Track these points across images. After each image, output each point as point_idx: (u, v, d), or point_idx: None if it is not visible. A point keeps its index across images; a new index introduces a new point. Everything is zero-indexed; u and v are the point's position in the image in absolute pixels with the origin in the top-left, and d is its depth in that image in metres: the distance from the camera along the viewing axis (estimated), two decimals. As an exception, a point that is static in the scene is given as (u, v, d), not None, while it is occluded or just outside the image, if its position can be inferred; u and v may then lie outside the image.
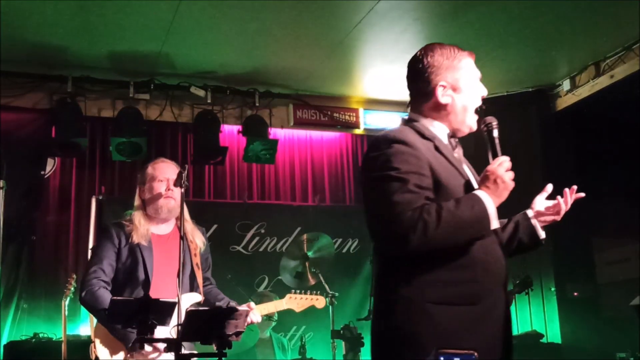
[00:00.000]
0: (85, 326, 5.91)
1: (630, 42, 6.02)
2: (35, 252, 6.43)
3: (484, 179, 2.30)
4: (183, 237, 3.36)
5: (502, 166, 2.30)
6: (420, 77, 2.49)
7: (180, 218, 3.53)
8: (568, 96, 6.93)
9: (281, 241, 7.07)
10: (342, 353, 5.46)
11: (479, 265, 2.27)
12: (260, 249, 7.04)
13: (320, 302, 4.41)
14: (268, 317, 5.79)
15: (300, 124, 7.32)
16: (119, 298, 3.14)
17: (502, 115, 7.74)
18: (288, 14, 5.53)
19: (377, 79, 6.98)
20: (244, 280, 6.56)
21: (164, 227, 3.81)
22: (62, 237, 6.56)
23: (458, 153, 2.50)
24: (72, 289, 5.41)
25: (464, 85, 2.44)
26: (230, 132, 7.12)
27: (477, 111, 2.47)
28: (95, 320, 3.73)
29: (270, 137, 6.99)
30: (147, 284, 3.59)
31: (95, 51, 6.11)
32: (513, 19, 5.69)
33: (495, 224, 2.24)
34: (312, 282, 5.55)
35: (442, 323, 2.18)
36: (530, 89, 7.23)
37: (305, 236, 5.73)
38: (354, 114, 7.51)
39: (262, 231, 7.07)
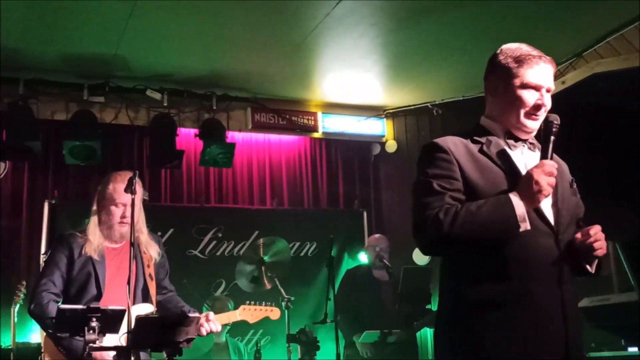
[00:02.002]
0: (36, 334, 5.79)
1: (580, 49, 6.15)
2: (-15, 257, 6.29)
3: (522, 180, 2.29)
4: (133, 244, 3.31)
5: (541, 169, 2.26)
6: (486, 72, 2.53)
7: (131, 225, 3.49)
8: (522, 101, 7.04)
9: (238, 245, 7.04)
10: (298, 357, 5.46)
11: (514, 263, 2.27)
12: (217, 253, 7.00)
13: (274, 313, 4.42)
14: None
15: (258, 127, 7.30)
16: (66, 306, 3.09)
17: (458, 119, 7.90)
18: (245, 17, 5.52)
19: (335, 83, 7.00)
20: (200, 285, 6.53)
21: (118, 241, 3.78)
22: (14, 242, 6.43)
23: (526, 152, 2.44)
24: (22, 295, 5.32)
25: (515, 84, 2.39)
26: (187, 135, 7.06)
27: (533, 113, 2.39)
28: (44, 333, 3.68)
29: (228, 140, 6.95)
30: (98, 298, 3.56)
31: (48, 53, 6.01)
32: (468, 25, 5.76)
33: (525, 225, 2.23)
34: (268, 286, 5.54)
35: (476, 328, 2.26)
36: (486, 94, 7.31)
37: (261, 240, 5.71)
38: (313, 118, 7.52)
39: (220, 235, 7.03)
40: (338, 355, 5.61)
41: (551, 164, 2.27)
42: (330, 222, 7.35)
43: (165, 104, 6.78)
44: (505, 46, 2.49)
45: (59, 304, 3.55)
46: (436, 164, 2.35)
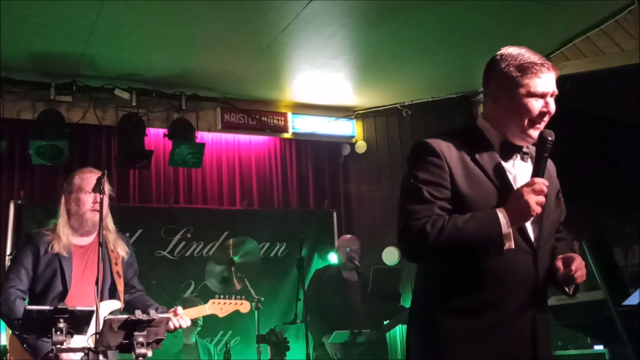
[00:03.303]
0: (1, 335, 5.71)
1: (547, 51, 6.22)
2: (-50, 257, 6.17)
3: (511, 197, 2.25)
4: (102, 244, 3.28)
5: (531, 188, 2.22)
6: (485, 76, 2.46)
7: (99, 224, 3.46)
8: (490, 103, 7.12)
9: (208, 246, 7.01)
10: (268, 357, 5.46)
11: (489, 277, 2.27)
12: (187, 254, 6.95)
13: (244, 306, 4.38)
14: (193, 323, 5.72)
15: (228, 127, 7.27)
16: (33, 307, 3.05)
17: (427, 120, 7.96)
18: (215, 17, 5.49)
19: (305, 83, 7.00)
20: (169, 286, 6.49)
21: (86, 238, 3.77)
22: (-21, 242, 6.32)
23: (518, 164, 2.39)
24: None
25: (521, 93, 2.32)
26: (156, 135, 7.01)
27: (537, 121, 2.33)
28: (10, 331, 3.63)
29: (197, 140, 6.92)
30: (64, 295, 3.53)
31: (15, 51, 5.90)
32: (438, 26, 5.81)
33: (509, 244, 2.21)
34: (238, 287, 5.53)
35: (445, 333, 2.29)
36: (454, 95, 7.40)
37: (231, 241, 5.70)
38: (283, 118, 7.51)
39: (189, 236, 6.99)
40: (308, 355, 5.62)
41: (542, 182, 2.23)
42: (300, 223, 7.35)
43: (133, 104, 6.71)
44: (505, 52, 2.42)
45: (26, 302, 3.51)
46: (427, 169, 2.30)
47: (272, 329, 5.60)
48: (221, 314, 4.19)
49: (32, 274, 3.60)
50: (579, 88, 6.05)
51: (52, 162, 6.35)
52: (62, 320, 2.92)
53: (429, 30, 5.88)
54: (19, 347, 3.40)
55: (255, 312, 5.38)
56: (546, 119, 2.35)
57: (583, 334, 5.02)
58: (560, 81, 6.34)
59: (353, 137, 7.80)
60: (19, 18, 5.33)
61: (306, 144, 7.80)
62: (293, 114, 7.57)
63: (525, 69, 2.33)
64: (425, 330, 2.36)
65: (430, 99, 7.38)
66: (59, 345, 2.92)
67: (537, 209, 2.22)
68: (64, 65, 6.25)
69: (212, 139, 7.32)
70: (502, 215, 2.21)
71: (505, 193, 2.29)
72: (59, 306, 2.96)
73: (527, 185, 2.24)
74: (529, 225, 2.33)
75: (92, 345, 3.09)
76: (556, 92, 2.37)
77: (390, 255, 7.20)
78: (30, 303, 3.48)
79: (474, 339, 2.27)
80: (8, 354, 3.57)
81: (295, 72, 6.78)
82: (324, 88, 7.14)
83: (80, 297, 3.50)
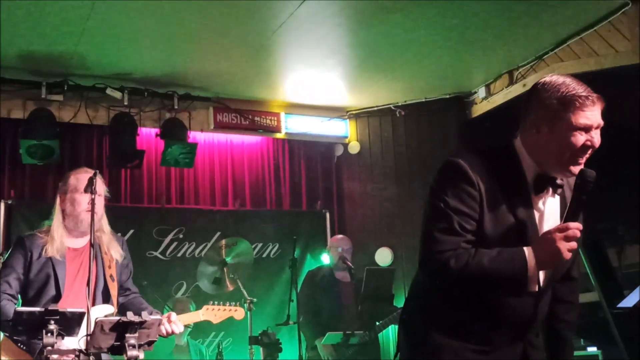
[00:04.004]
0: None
1: (541, 52, 6.24)
2: (-61, 258, 6.12)
3: (540, 240, 2.17)
4: (93, 245, 3.25)
5: (564, 234, 2.11)
6: (526, 104, 2.32)
7: (91, 224, 3.42)
8: (483, 103, 7.14)
9: (200, 246, 6.97)
10: (260, 359, 5.43)
11: (488, 312, 2.26)
12: (179, 255, 6.91)
13: (239, 313, 4.36)
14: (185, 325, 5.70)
15: (220, 127, 7.23)
16: (23, 309, 3.02)
17: (421, 120, 7.96)
18: (208, 16, 5.46)
19: (298, 83, 6.98)
20: (161, 287, 6.45)
21: (80, 241, 3.74)
22: (-32, 242, 6.26)
23: (549, 201, 2.30)
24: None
25: (564, 127, 2.19)
26: (148, 135, 6.97)
27: (580, 155, 2.21)
28: (1, 334, 3.59)
29: (190, 140, 6.88)
30: (57, 299, 3.49)
31: (5, 50, 5.84)
32: (431, 27, 5.79)
33: (535, 286, 2.19)
34: (231, 287, 5.50)
35: (436, 354, 2.28)
36: (448, 96, 7.39)
37: (223, 242, 5.67)
38: (275, 118, 7.48)
39: (181, 236, 6.95)
40: (300, 357, 5.60)
41: (576, 227, 2.11)
42: (293, 223, 7.33)
43: (125, 103, 6.67)
44: (548, 80, 2.27)
45: (17, 305, 3.48)
46: (460, 197, 2.21)
47: (265, 330, 5.57)
48: (215, 320, 4.17)
49: (24, 278, 3.57)
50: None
51: (43, 161, 6.31)
52: (52, 322, 2.89)
53: (423, 31, 5.86)
54: (13, 348, 3.36)
55: (248, 313, 5.35)
56: (589, 152, 2.23)
57: (577, 336, 5.02)
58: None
59: (346, 137, 7.78)
60: (10, 17, 5.28)
61: (299, 144, 7.77)
62: (286, 114, 7.54)
63: (568, 102, 2.18)
64: (419, 347, 2.36)
65: (423, 100, 7.37)
66: (49, 347, 2.89)
67: (568, 255, 2.12)
68: (55, 64, 6.20)
69: (205, 138, 7.29)
70: (529, 257, 2.13)
71: (531, 235, 2.22)
72: (49, 308, 2.93)
73: (560, 230, 2.12)
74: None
75: (83, 347, 3.06)
76: (602, 124, 2.22)
77: (384, 256, 7.19)
78: (23, 307, 3.45)
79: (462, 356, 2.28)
80: (1, 355, 3.53)
81: (288, 72, 6.76)
82: (317, 88, 7.12)
83: (73, 302, 3.47)
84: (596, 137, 2.21)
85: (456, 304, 2.29)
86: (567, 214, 2.18)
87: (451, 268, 2.15)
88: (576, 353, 4.82)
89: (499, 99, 6.76)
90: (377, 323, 5.99)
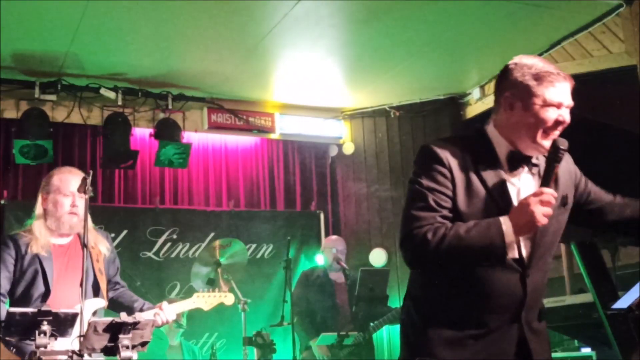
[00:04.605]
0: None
1: (535, 53, 6.23)
2: None
3: (516, 206, 2.21)
4: (86, 246, 3.23)
5: (538, 198, 2.16)
6: (498, 84, 2.42)
7: (84, 225, 3.40)
8: (477, 104, 7.15)
9: (194, 247, 6.96)
10: (254, 359, 5.42)
11: (474, 294, 2.28)
12: (172, 255, 6.90)
13: (228, 298, 4.34)
14: (177, 324, 5.68)
15: (214, 128, 7.22)
16: (15, 310, 3.00)
17: (415, 121, 7.95)
18: (203, 16, 5.44)
19: (293, 83, 6.97)
20: (154, 287, 6.43)
21: (65, 238, 3.71)
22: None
23: (524, 177, 2.35)
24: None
25: (537, 102, 2.27)
26: (142, 135, 6.95)
27: (551, 131, 2.29)
28: None
29: (184, 141, 6.85)
30: (46, 295, 3.47)
31: (-2, 50, 5.84)
32: (426, 28, 5.79)
33: (511, 254, 2.20)
34: (225, 288, 5.46)
35: (431, 347, 2.30)
36: (442, 97, 7.40)
37: (217, 242, 5.66)
38: (270, 119, 7.47)
39: (174, 237, 6.94)
40: (294, 357, 5.59)
41: (550, 193, 2.17)
42: (287, 224, 7.33)
43: (119, 103, 6.65)
44: (519, 60, 2.36)
45: (7, 305, 3.46)
46: (433, 176, 2.29)
47: (259, 331, 5.55)
48: (206, 307, 4.15)
49: (12, 277, 3.54)
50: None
51: (36, 161, 6.28)
52: (45, 323, 2.88)
53: (417, 32, 5.86)
54: (3, 349, 3.34)
55: (242, 314, 5.35)
56: (560, 129, 2.30)
57: (571, 337, 5.02)
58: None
59: (341, 138, 7.78)
60: (3, 16, 5.25)
61: (293, 145, 7.77)
62: (280, 114, 7.53)
63: (542, 77, 2.28)
64: (415, 346, 2.38)
65: (418, 100, 7.38)
66: (42, 348, 2.87)
67: (543, 220, 2.15)
68: (49, 63, 6.18)
69: (199, 139, 7.27)
70: (506, 224, 2.17)
71: (505, 208, 2.25)
72: (42, 308, 2.92)
73: (534, 194, 2.18)
74: (522, 241, 2.28)
75: (76, 347, 3.04)
76: (572, 104, 2.32)
77: (378, 257, 7.19)
78: (12, 306, 3.43)
79: (458, 354, 2.28)
80: None
81: (282, 73, 6.75)
82: (311, 89, 7.11)
83: (63, 298, 3.45)
84: (566, 115, 2.30)
85: (447, 290, 2.32)
86: (542, 181, 2.24)
87: (429, 241, 2.19)
88: (570, 354, 4.83)
89: (493, 100, 6.76)
90: (372, 324, 5.98)
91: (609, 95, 5.99)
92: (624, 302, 3.72)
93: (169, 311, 3.71)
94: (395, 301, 6.78)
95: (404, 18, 5.59)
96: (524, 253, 2.30)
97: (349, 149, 7.73)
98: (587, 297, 4.17)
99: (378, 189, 7.49)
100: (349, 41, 6.07)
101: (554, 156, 2.26)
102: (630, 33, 5.38)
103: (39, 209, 3.69)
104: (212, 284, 5.49)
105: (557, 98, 2.27)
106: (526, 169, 2.35)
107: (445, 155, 2.30)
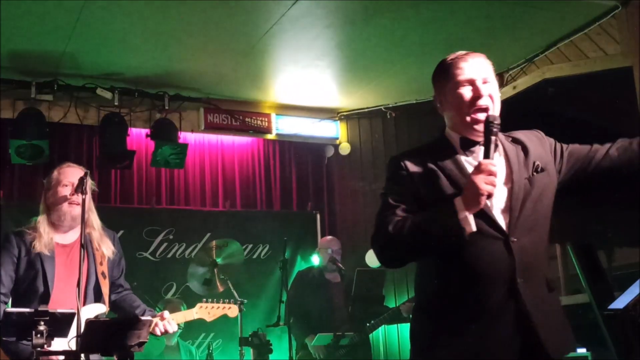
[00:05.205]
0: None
1: (531, 54, 6.25)
2: None
3: (465, 183, 2.29)
4: (84, 246, 3.23)
5: (478, 170, 2.24)
6: (434, 90, 2.57)
7: (81, 226, 3.40)
8: (474, 105, 7.14)
9: (190, 247, 6.95)
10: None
11: (463, 269, 2.31)
12: (169, 255, 6.89)
13: (232, 311, 4.34)
14: (175, 325, 5.68)
15: (211, 128, 7.21)
16: (12, 310, 3.00)
17: (411, 122, 7.95)
18: (199, 17, 5.44)
19: (289, 84, 6.97)
20: (151, 288, 6.41)
21: (69, 236, 3.70)
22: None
23: (476, 159, 2.42)
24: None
25: (450, 88, 2.43)
26: (139, 135, 6.94)
27: (475, 109, 2.38)
28: None
29: (180, 141, 6.85)
30: (46, 295, 3.46)
31: (-6, 49, 5.83)
32: (422, 28, 5.80)
33: (468, 228, 2.22)
34: (221, 289, 5.49)
35: (428, 329, 2.40)
36: (439, 98, 7.39)
37: (214, 242, 5.66)
38: (266, 119, 7.47)
39: (171, 237, 6.93)
40: (291, 358, 5.59)
41: (487, 163, 2.23)
42: (284, 224, 7.32)
43: (116, 103, 6.64)
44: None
45: (8, 305, 3.45)
46: (393, 180, 2.46)
47: (255, 331, 5.56)
48: (209, 318, 4.15)
49: (14, 275, 3.53)
50: (562, 91, 6.09)
51: (32, 161, 6.27)
52: (42, 323, 2.87)
53: (413, 32, 5.87)
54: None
55: (238, 314, 5.34)
56: (483, 104, 2.37)
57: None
58: (544, 84, 6.39)
59: (337, 138, 7.78)
60: (-1, 15, 5.26)
61: (290, 145, 7.77)
62: (277, 115, 7.53)
63: (447, 66, 2.46)
64: (416, 327, 2.48)
65: (414, 101, 7.38)
66: (39, 349, 2.87)
67: (486, 189, 2.20)
68: (45, 63, 6.16)
69: (195, 139, 7.27)
70: (457, 201, 2.24)
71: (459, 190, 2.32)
72: (39, 308, 2.91)
73: (475, 168, 2.27)
74: (498, 213, 2.33)
75: (73, 348, 3.04)
76: (488, 79, 2.42)
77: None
78: (12, 305, 3.42)
79: (456, 335, 2.29)
80: None
81: (279, 73, 6.75)
82: (308, 89, 7.11)
83: (63, 299, 3.43)
84: (485, 89, 2.39)
85: (438, 276, 2.39)
86: (483, 156, 2.30)
87: (391, 233, 2.32)
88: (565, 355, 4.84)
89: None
90: (368, 324, 5.99)
91: (604, 96, 6.01)
92: (619, 302, 3.74)
93: (170, 322, 3.67)
94: (391, 301, 6.80)
95: (400, 19, 5.60)
96: (503, 220, 2.33)
97: (345, 149, 7.73)
98: (583, 298, 4.18)
99: (374, 189, 7.49)
100: (345, 42, 6.07)
101: (487, 130, 2.32)
102: (626, 34, 5.40)
103: (42, 209, 3.69)
104: (208, 284, 5.49)
105: (466, 75, 2.40)
106: (482, 149, 2.38)
107: (403, 159, 2.46)
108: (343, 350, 5.82)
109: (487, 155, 2.29)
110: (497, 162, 2.35)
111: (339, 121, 7.79)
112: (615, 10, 5.46)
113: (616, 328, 3.79)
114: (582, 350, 4.70)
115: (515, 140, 2.49)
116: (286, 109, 7.56)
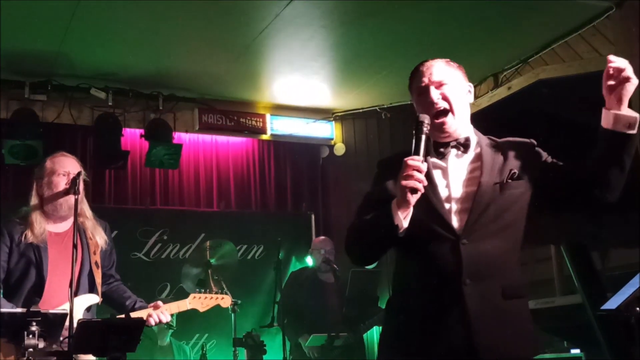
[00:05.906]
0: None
1: (526, 55, 6.26)
2: None
3: None
4: (76, 246, 3.21)
5: (404, 167, 2.24)
6: None
7: (74, 225, 3.38)
8: (469, 106, 7.15)
9: (184, 248, 6.94)
10: (244, 361, 5.42)
11: (417, 270, 2.37)
12: (163, 256, 6.88)
13: (225, 301, 4.33)
14: (168, 326, 5.67)
15: (205, 128, 7.20)
16: (4, 310, 2.98)
17: (406, 123, 7.93)
18: (194, 17, 5.44)
19: (284, 85, 6.96)
20: (144, 288, 6.36)
21: (62, 225, 3.67)
22: (-51, 243, 6.18)
23: (452, 159, 2.45)
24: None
25: (413, 98, 2.54)
26: (133, 135, 6.93)
27: (432, 115, 2.40)
28: None
29: (175, 141, 6.83)
30: (40, 286, 3.44)
31: (-12, 49, 5.81)
32: (417, 29, 5.80)
33: (401, 224, 2.23)
34: (215, 289, 5.47)
35: (386, 330, 2.51)
36: (433, 98, 7.39)
37: (208, 243, 5.65)
38: (261, 120, 7.47)
39: (165, 237, 6.92)
40: (285, 358, 5.59)
41: (409, 160, 2.22)
42: (278, 225, 7.32)
43: (110, 104, 6.62)
44: None
45: (1, 295, 3.42)
46: (373, 182, 2.57)
47: (249, 332, 5.55)
48: (202, 309, 4.14)
49: (6, 265, 3.51)
50: (557, 92, 6.09)
51: (26, 162, 6.24)
52: (34, 324, 2.86)
53: (408, 33, 5.87)
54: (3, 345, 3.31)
55: (232, 315, 5.34)
56: (440, 107, 2.42)
57: (560, 338, 5.04)
58: (539, 85, 6.38)
59: (332, 139, 7.78)
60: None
61: (284, 146, 7.76)
62: (271, 115, 7.52)
63: (411, 75, 2.55)
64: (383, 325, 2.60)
65: (409, 102, 7.34)
66: (31, 349, 2.86)
67: (410, 184, 2.20)
68: (39, 63, 6.15)
69: (190, 139, 7.26)
70: (393, 201, 2.28)
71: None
72: (31, 309, 2.90)
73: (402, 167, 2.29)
74: (455, 215, 2.34)
75: (65, 348, 3.03)
76: (444, 81, 2.45)
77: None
78: (4, 296, 3.40)
79: (403, 334, 2.37)
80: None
81: (274, 74, 6.74)
82: (302, 90, 7.11)
83: (57, 289, 3.42)
84: (433, 92, 2.43)
85: (398, 275, 2.51)
86: (413, 151, 2.30)
87: (348, 234, 2.47)
88: (559, 355, 4.85)
89: (483, 102, 6.77)
90: (362, 325, 5.98)
91: (598, 97, 6.01)
92: (613, 303, 3.74)
93: (163, 312, 3.67)
94: (386, 302, 6.77)
95: (394, 20, 5.60)
96: (458, 222, 2.33)
97: (340, 150, 7.73)
98: (576, 299, 4.18)
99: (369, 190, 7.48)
100: (340, 42, 6.07)
101: (415, 129, 2.34)
102: (620, 35, 5.41)
103: (33, 199, 3.66)
104: (202, 285, 5.48)
105: (422, 82, 2.47)
106: (452, 151, 2.45)
107: (383, 162, 2.61)
108: (337, 351, 5.82)
109: (416, 152, 2.28)
110: (463, 164, 2.43)
111: (333, 122, 7.79)
112: (609, 11, 5.47)
113: (609, 329, 3.80)
114: (575, 351, 4.70)
115: (498, 146, 2.48)
116: (281, 110, 7.56)
